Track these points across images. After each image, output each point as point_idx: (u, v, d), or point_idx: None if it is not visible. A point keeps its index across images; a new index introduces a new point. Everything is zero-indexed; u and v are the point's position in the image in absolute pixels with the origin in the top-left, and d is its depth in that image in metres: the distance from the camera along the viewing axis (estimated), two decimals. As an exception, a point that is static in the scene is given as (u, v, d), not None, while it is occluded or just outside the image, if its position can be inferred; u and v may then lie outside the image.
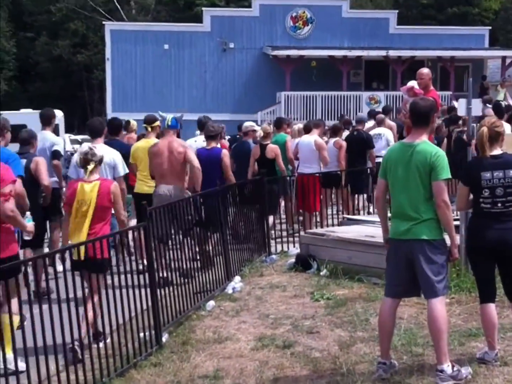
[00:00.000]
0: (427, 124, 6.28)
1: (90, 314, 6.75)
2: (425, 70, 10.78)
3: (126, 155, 10.43)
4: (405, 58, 33.61)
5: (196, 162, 10.03)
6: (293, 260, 10.59)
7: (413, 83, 10.73)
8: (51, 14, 53.53)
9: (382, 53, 33.39)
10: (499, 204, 6.34)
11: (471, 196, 6.52)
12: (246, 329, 7.77)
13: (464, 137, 15.55)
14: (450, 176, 6.13)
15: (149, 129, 11.21)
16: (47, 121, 10.89)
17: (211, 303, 8.70)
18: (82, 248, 6.75)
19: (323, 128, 14.84)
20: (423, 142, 6.18)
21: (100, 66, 45.36)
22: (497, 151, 6.46)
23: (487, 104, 17.60)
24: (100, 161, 7.63)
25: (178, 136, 10.74)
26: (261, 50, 34.64)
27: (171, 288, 7.92)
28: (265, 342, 7.26)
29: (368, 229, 10.59)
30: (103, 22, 39.40)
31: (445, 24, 47.22)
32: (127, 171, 9.91)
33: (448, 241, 6.23)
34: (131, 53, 34.46)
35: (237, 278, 9.81)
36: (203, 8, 38.21)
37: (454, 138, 16.06)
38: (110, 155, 9.28)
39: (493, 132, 6.44)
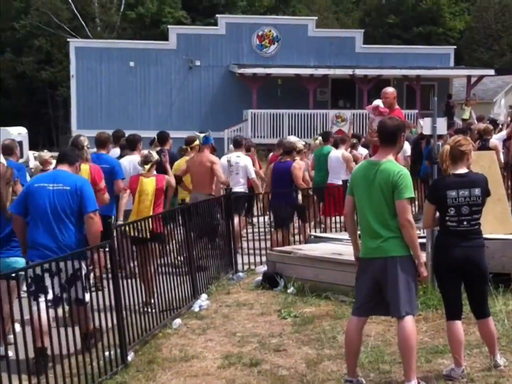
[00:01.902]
0: (394, 143, 6.31)
1: None
2: (389, 89, 10.87)
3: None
4: (371, 77, 33.87)
5: (220, 175, 11.87)
6: (260, 277, 10.55)
7: (378, 102, 10.81)
8: (15, 30, 53.17)
9: (348, 71, 33.62)
10: (465, 223, 6.39)
11: (438, 214, 6.56)
12: (213, 347, 7.72)
13: (489, 144, 15.85)
14: (413, 196, 6.17)
15: (189, 149, 12.74)
16: None
17: (178, 321, 8.64)
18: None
19: (349, 143, 15.58)
20: (388, 161, 6.21)
21: (65, 83, 45.06)
22: (462, 170, 6.50)
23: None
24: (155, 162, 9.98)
25: (214, 150, 12.30)
26: (227, 68, 34.72)
27: (137, 307, 7.85)
28: (232, 360, 7.22)
29: (335, 246, 10.59)
30: (68, 39, 39.24)
31: (411, 43, 47.72)
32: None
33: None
34: (96, 70, 34.33)
35: (204, 296, 9.75)
36: (169, 26, 38.21)
37: (478, 148, 16.15)
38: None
39: (456, 151, 6.48)
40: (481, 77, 36.54)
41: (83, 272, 7.07)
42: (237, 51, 34.91)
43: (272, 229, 12.53)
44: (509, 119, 21.64)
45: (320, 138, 16.56)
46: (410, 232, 6.08)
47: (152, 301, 8.59)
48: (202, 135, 12.29)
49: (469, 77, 35.98)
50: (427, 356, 7.05)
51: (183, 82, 34.78)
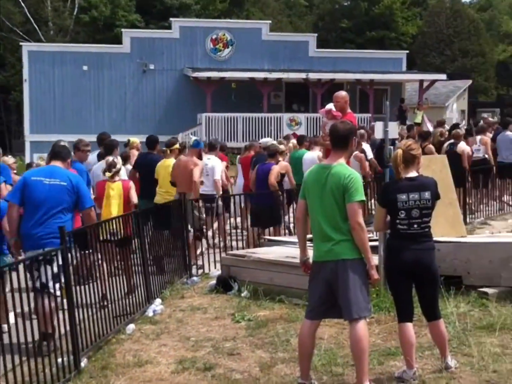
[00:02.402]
0: (346, 147, 6.35)
1: None
2: (341, 93, 10.91)
3: None
4: (324, 81, 34.05)
5: (195, 176, 12.12)
6: (214, 281, 10.55)
7: (331, 106, 10.86)
8: (-33, 34, 52.48)
9: (302, 75, 33.76)
10: (415, 226, 6.47)
11: (389, 217, 6.62)
12: (167, 352, 7.70)
13: (457, 148, 16.11)
14: (364, 199, 6.22)
15: (168, 151, 13.06)
16: None
17: (131, 326, 8.60)
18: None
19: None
20: (339, 164, 6.25)
21: (18, 87, 44.45)
22: (412, 174, 6.58)
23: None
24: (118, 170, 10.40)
25: (200, 156, 12.90)
26: (181, 72, 34.64)
27: (90, 312, 7.80)
28: (186, 365, 7.21)
29: (289, 250, 10.62)
30: (21, 43, 38.76)
31: (364, 48, 48.13)
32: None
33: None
34: (49, 74, 34.01)
35: (158, 301, 9.71)
36: (123, 30, 37.95)
37: (446, 152, 16.37)
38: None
39: (408, 155, 6.57)
40: (433, 82, 36.97)
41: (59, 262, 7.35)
42: (191, 55, 34.85)
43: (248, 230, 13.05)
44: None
45: (294, 141, 16.91)
46: (361, 235, 6.13)
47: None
48: (193, 138, 13.22)
49: (421, 82, 36.38)
50: (379, 358, 7.11)
51: (137, 85, 34.62)
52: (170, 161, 12.73)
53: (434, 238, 6.77)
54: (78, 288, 7.60)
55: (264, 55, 35.22)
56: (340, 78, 34.17)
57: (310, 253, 6.55)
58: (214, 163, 13.65)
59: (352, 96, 34.42)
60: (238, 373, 6.94)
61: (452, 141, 17.05)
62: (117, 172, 10.38)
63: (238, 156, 17.50)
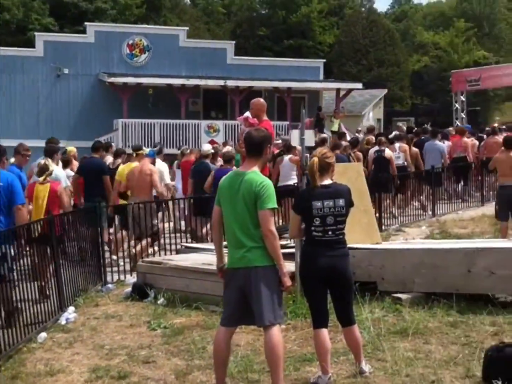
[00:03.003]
0: (260, 154, 6.35)
1: None
2: (257, 101, 10.92)
3: None
4: (242, 88, 34.10)
5: (157, 185, 12.92)
6: (129, 289, 10.43)
7: (248, 114, 10.88)
8: None
9: (220, 82, 33.74)
10: (330, 232, 6.51)
11: (304, 224, 6.65)
12: (80, 361, 7.56)
13: (385, 154, 16.46)
14: (276, 206, 6.23)
15: (134, 155, 13.64)
16: None
17: (43, 334, 8.42)
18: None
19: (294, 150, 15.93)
20: (253, 172, 6.24)
21: None
22: (327, 181, 6.64)
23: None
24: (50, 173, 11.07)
25: (154, 163, 13.52)
26: (96, 77, 34.17)
27: None
28: (100, 373, 7.08)
29: (206, 256, 10.58)
30: None
31: (282, 56, 48.47)
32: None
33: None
34: (-41, 78, 33.11)
35: (71, 309, 9.54)
36: (36, 33, 37.24)
37: (374, 158, 16.71)
38: None
39: (323, 162, 6.62)
40: (350, 91, 37.47)
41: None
42: (107, 60, 34.40)
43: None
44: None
45: (228, 147, 17.81)
46: (273, 242, 6.12)
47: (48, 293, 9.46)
48: (148, 149, 14.06)
49: (338, 90, 36.81)
50: (295, 364, 7.13)
51: (51, 90, 33.97)
52: (133, 165, 13.44)
53: (350, 245, 6.83)
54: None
55: (182, 62, 35.06)
56: (258, 86, 34.28)
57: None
58: (162, 168, 14.29)
59: (270, 104, 34.59)
60: (153, 381, 6.87)
61: (377, 148, 17.50)
62: (49, 175, 11.04)
63: (176, 161, 18.18)
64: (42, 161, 11.46)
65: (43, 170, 10.97)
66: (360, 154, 17.77)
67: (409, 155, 18.26)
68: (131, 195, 13.16)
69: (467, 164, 19.71)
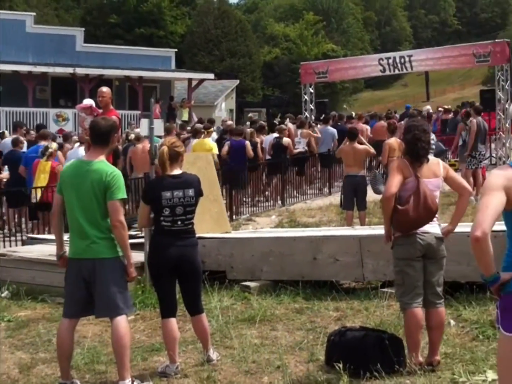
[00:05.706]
0: (107, 143, 6.29)
1: None
2: (105, 89, 10.81)
3: None
4: (92, 76, 33.49)
5: None
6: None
7: (90, 102, 10.78)
8: None
9: (69, 70, 32.99)
10: (179, 222, 6.53)
11: (153, 214, 6.64)
12: None
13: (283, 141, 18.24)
14: (125, 196, 6.21)
15: (205, 132, 17.48)
16: None
17: None
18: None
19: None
20: (101, 161, 6.18)
21: None
22: (177, 171, 6.64)
23: None
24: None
25: None
26: None
27: None
28: None
29: (52, 248, 10.33)
30: None
31: (133, 44, 48.02)
32: None
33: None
34: None
35: None
36: None
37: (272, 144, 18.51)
38: None
39: (173, 152, 6.62)
40: (201, 81, 37.53)
41: None
42: (-51, 44, 33.03)
43: None
44: None
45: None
46: (121, 233, 6.09)
47: None
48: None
49: (190, 80, 36.80)
50: (143, 354, 7.13)
51: None
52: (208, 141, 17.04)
53: (200, 234, 6.87)
54: None
55: (29, 48, 34.06)
56: (109, 74, 33.76)
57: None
58: None
59: (121, 93, 34.39)
60: (-4, 376, 6.69)
61: (277, 135, 18.78)
62: (50, 155, 13.72)
63: None
64: (46, 143, 14.39)
65: (46, 150, 13.82)
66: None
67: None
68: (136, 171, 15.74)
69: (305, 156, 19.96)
